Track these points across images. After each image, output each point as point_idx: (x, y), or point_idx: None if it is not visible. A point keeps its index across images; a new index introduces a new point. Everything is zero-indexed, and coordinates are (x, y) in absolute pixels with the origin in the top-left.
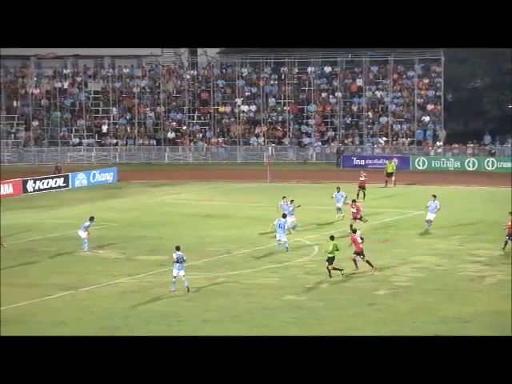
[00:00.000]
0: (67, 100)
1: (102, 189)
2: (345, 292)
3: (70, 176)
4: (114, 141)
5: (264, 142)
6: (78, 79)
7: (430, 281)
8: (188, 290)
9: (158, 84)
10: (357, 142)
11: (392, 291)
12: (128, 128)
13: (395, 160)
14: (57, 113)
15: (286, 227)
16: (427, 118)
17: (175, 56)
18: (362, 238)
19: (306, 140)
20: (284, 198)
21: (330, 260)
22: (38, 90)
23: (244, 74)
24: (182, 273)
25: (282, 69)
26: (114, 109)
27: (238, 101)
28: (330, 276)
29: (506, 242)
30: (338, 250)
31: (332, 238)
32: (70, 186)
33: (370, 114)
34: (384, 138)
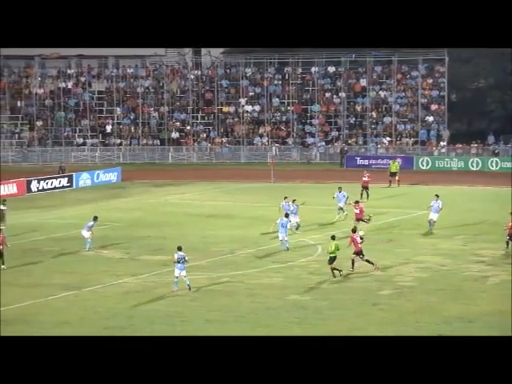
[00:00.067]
0: (71, 100)
1: (105, 189)
2: (349, 292)
3: (73, 176)
4: (118, 141)
5: (268, 142)
6: (82, 79)
7: (434, 281)
8: (189, 289)
9: (161, 84)
10: (360, 142)
11: (396, 291)
12: (132, 128)
13: (399, 160)
14: (61, 113)
15: (288, 227)
16: (431, 118)
17: (179, 56)
18: (361, 238)
19: (309, 140)
20: (285, 198)
21: (331, 260)
22: (42, 90)
23: (248, 74)
24: (183, 273)
25: (286, 69)
26: (118, 109)
27: (242, 101)
28: (334, 276)
29: (508, 243)
30: (338, 249)
31: (333, 237)
32: (74, 186)
33: (374, 114)
34: (388, 138)
